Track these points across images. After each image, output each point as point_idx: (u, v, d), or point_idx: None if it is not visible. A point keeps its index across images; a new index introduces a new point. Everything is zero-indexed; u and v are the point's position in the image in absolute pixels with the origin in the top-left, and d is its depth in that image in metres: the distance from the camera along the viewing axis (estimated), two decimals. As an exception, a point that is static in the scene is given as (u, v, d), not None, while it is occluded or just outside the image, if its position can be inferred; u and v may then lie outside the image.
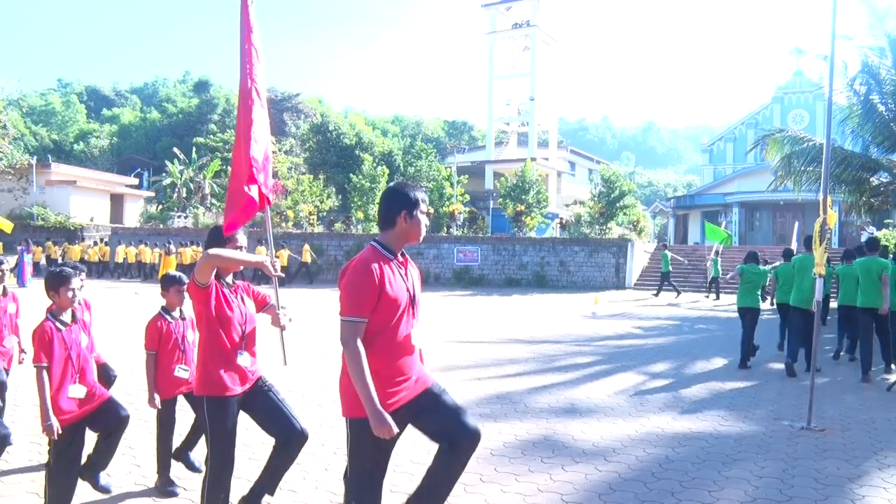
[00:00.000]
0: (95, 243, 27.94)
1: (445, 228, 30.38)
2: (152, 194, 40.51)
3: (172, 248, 24.40)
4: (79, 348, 3.76)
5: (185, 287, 4.20)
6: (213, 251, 3.33)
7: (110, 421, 3.84)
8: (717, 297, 21.23)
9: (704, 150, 49.43)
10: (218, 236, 3.53)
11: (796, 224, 25.11)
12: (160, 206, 36.93)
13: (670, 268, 22.19)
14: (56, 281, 3.76)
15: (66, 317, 3.78)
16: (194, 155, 41.57)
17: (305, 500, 4.22)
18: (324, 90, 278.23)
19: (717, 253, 21.98)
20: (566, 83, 67.13)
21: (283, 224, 30.37)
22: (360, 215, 30.40)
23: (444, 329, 12.69)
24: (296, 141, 50.99)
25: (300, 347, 9.57)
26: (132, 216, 35.55)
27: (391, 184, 3.23)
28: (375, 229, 29.66)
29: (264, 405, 3.51)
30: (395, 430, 2.74)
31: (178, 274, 4.43)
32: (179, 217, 35.05)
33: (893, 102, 16.22)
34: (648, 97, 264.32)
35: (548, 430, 5.76)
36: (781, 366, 9.22)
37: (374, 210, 30.55)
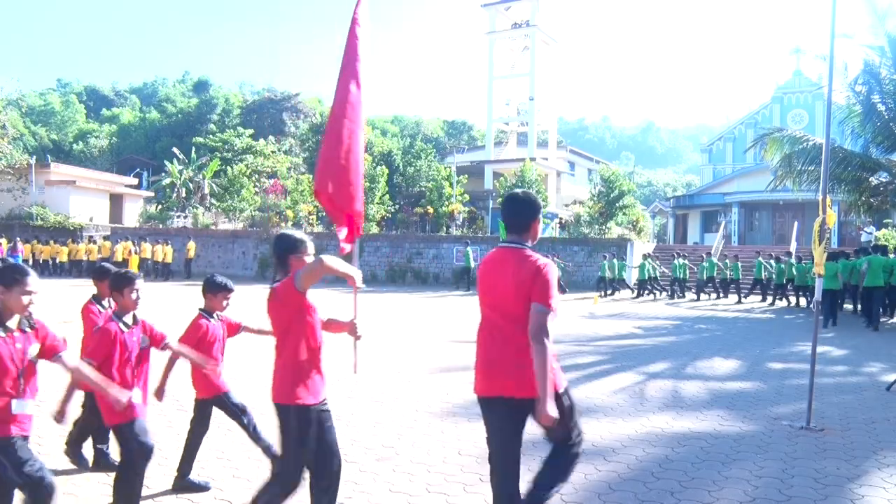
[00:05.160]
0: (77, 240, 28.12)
1: (445, 228, 30.41)
2: (152, 194, 40.48)
3: (140, 246, 25.24)
4: (138, 352, 3.72)
5: (230, 294, 4.30)
6: (328, 258, 3.18)
7: None
8: None
9: (704, 149, 49.43)
10: (291, 244, 3.38)
11: (795, 224, 25.21)
12: (159, 206, 36.89)
13: (472, 264, 23.20)
14: (121, 282, 3.70)
15: (129, 319, 3.72)
16: (193, 155, 41.53)
17: (305, 499, 4.22)
18: (324, 90, 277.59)
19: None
20: (566, 83, 67.19)
21: (283, 224, 30.36)
22: (360, 215, 30.35)
23: (445, 329, 12.69)
24: (295, 141, 50.99)
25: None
26: (132, 216, 35.53)
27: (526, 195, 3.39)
28: (375, 229, 29.79)
29: (323, 431, 3.37)
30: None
31: (225, 280, 4.38)
32: (179, 217, 35.04)
33: (893, 102, 16.24)
34: (648, 97, 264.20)
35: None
36: (781, 365, 9.27)
37: (373, 210, 30.55)
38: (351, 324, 3.72)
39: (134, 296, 3.71)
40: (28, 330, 3.10)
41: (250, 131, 47.07)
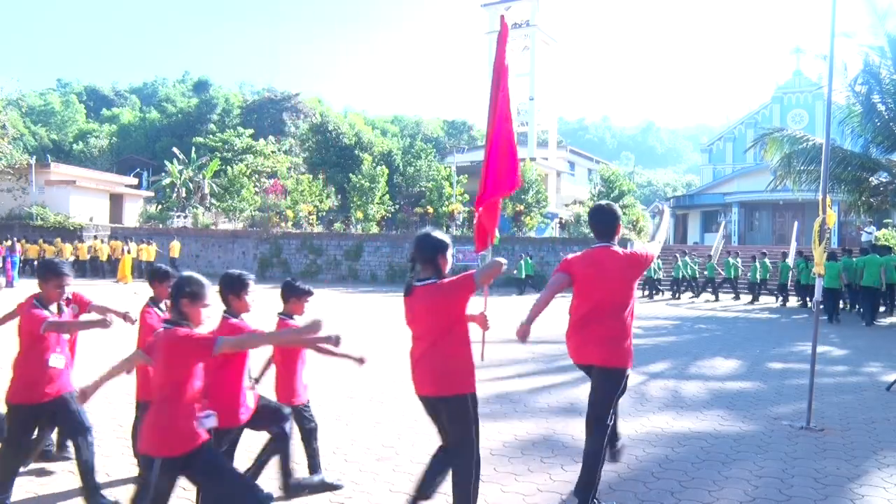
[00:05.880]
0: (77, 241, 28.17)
1: (445, 228, 30.37)
2: (152, 194, 40.47)
3: (130, 245, 25.38)
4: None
5: (311, 297, 4.36)
6: (503, 261, 3.45)
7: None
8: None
9: (704, 149, 49.40)
10: (441, 245, 3.54)
11: (795, 224, 25.22)
12: (159, 206, 36.89)
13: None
14: (239, 285, 3.62)
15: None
16: (193, 155, 41.53)
17: (306, 500, 4.22)
18: (323, 90, 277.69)
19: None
20: (566, 83, 67.18)
21: (283, 224, 30.37)
22: (360, 215, 30.39)
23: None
24: (295, 141, 50.99)
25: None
26: (132, 216, 35.52)
27: None
28: (375, 229, 29.79)
29: None
30: None
31: (308, 286, 4.36)
32: (179, 217, 35.04)
33: (893, 102, 16.23)
34: (648, 97, 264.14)
35: (548, 430, 5.76)
36: (781, 365, 9.27)
37: (373, 210, 30.55)
38: (481, 316, 3.85)
39: (250, 298, 3.61)
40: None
41: (250, 131, 47.08)
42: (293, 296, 4.29)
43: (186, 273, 3.23)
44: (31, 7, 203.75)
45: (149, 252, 25.61)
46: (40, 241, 27.01)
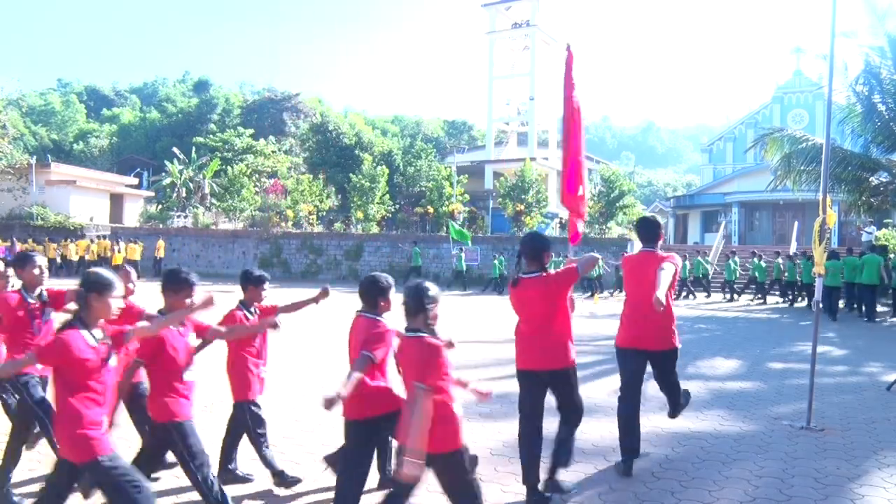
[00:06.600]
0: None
1: (445, 228, 30.39)
2: (152, 194, 40.48)
3: (121, 244, 25.53)
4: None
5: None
6: (598, 255, 4.29)
7: None
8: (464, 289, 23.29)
9: (704, 149, 49.36)
10: (548, 244, 4.23)
11: (795, 224, 25.20)
12: (160, 206, 36.90)
13: (420, 262, 24.64)
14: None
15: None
16: (194, 155, 41.54)
17: (307, 499, 4.23)
18: (324, 90, 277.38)
19: (461, 250, 24.34)
20: (566, 83, 66.93)
21: (283, 224, 30.38)
22: (360, 215, 30.40)
23: (444, 329, 12.67)
24: (295, 141, 51.03)
25: (300, 348, 9.56)
26: (132, 216, 35.52)
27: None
28: (375, 229, 29.79)
29: None
30: None
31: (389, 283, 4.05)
32: (179, 217, 35.05)
33: (894, 102, 16.23)
34: (648, 97, 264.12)
35: (548, 430, 5.75)
36: (781, 365, 9.28)
37: (373, 210, 30.54)
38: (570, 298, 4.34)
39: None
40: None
41: (250, 131, 47.10)
42: (381, 295, 3.94)
43: (425, 282, 3.36)
44: (31, 7, 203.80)
45: (134, 251, 25.65)
46: (30, 240, 26.95)
